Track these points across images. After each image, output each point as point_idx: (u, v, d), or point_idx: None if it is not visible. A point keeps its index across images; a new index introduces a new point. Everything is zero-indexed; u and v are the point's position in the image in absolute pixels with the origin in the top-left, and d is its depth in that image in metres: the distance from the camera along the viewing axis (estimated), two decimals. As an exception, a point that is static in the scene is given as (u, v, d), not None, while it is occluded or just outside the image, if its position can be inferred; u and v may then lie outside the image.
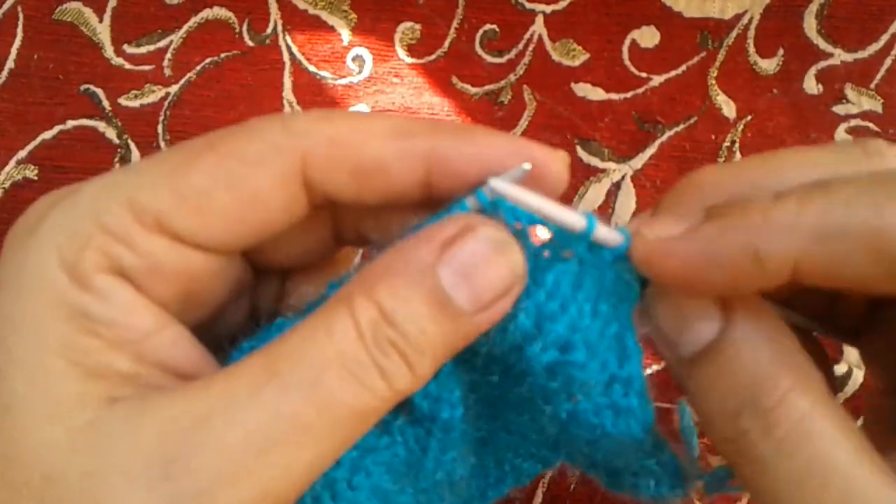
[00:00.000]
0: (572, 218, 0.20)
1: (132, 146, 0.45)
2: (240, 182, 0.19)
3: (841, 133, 0.46)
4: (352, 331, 0.19)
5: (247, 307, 0.25)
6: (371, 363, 0.19)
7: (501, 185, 0.20)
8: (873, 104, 0.46)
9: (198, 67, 0.45)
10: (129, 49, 0.45)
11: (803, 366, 0.19)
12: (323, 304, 0.20)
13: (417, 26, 0.47)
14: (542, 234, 0.21)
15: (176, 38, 0.46)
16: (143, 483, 0.17)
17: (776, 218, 0.18)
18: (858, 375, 0.45)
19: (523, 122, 0.46)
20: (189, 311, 0.21)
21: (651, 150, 0.46)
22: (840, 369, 0.45)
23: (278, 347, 0.19)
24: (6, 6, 0.45)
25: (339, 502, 0.21)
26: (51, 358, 0.18)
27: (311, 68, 0.46)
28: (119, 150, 0.44)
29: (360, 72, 0.46)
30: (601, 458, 0.24)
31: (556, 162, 0.21)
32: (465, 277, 0.19)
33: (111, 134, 0.45)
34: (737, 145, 0.46)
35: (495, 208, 0.20)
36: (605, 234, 0.20)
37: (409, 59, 0.46)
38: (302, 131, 0.20)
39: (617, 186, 0.45)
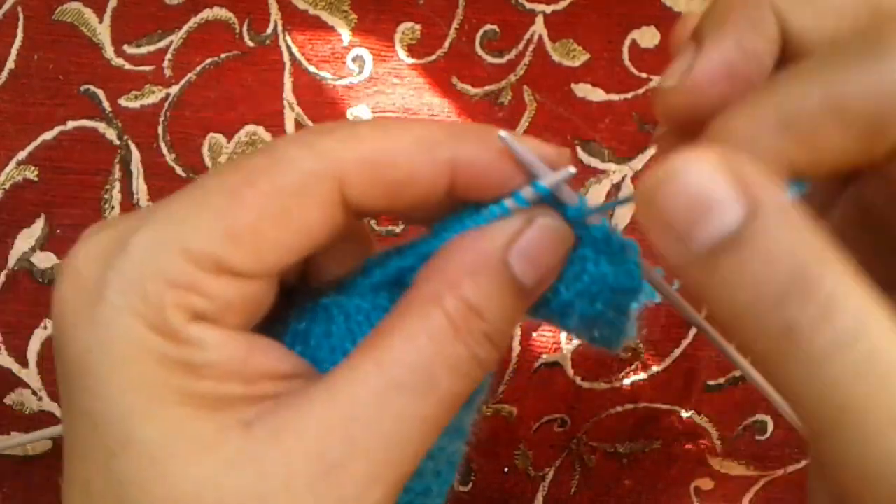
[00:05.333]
0: (566, 190, 0.23)
1: (132, 147, 0.44)
2: (285, 215, 0.20)
3: (841, 133, 0.46)
4: (448, 329, 0.21)
5: (276, 289, 0.26)
6: (469, 356, 0.21)
7: (510, 140, 0.22)
8: (873, 104, 0.46)
9: (198, 68, 0.45)
10: (129, 49, 0.45)
11: (842, 253, 0.18)
12: (409, 304, 0.22)
13: (417, 26, 0.47)
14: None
15: (176, 38, 0.46)
16: (308, 495, 0.19)
17: (745, 125, 0.19)
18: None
19: (523, 123, 0.46)
20: (251, 321, 0.23)
21: (651, 151, 0.46)
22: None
23: (386, 351, 0.21)
24: (6, 6, 0.45)
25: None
26: (175, 408, 0.19)
27: (312, 69, 0.46)
28: (119, 150, 0.44)
29: (360, 72, 0.46)
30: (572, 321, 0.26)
31: (562, 160, 0.23)
32: (530, 263, 0.22)
33: (111, 135, 0.45)
34: (737, 146, 0.46)
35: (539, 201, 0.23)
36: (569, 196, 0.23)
37: (410, 60, 0.46)
38: (332, 155, 0.21)
39: (617, 188, 0.45)
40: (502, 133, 0.22)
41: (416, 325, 0.21)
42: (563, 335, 0.45)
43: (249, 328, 0.23)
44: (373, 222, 0.46)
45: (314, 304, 0.24)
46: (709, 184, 0.18)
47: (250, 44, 0.46)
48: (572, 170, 0.23)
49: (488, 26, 0.47)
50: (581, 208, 0.23)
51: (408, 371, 0.20)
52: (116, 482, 0.19)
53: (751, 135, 0.19)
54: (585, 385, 0.45)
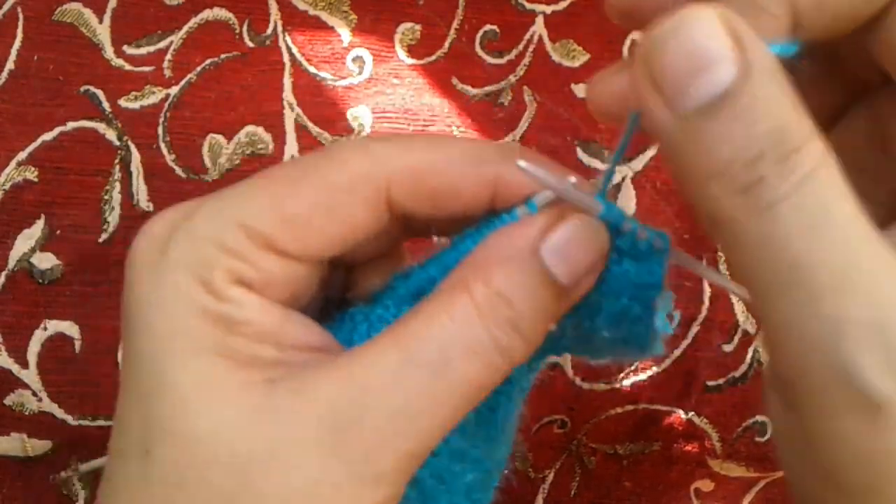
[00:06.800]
0: (588, 202, 0.23)
1: (132, 148, 0.45)
2: (334, 208, 0.23)
3: (841, 134, 0.46)
4: (472, 313, 0.21)
5: (322, 298, 0.28)
6: (490, 342, 0.22)
7: (527, 166, 0.23)
8: (874, 105, 0.46)
9: (198, 69, 0.45)
10: (129, 50, 0.45)
11: (810, 122, 0.19)
12: (438, 290, 0.23)
13: (417, 27, 0.46)
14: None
15: (176, 39, 0.46)
16: (318, 450, 0.21)
17: None
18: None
19: (523, 124, 0.46)
20: (292, 305, 0.24)
21: (651, 152, 0.46)
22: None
23: (407, 330, 0.22)
24: (6, 7, 0.45)
25: (424, 467, 0.24)
26: (209, 357, 0.21)
27: (312, 69, 0.46)
28: (119, 151, 0.44)
29: (360, 73, 0.46)
30: (597, 346, 0.27)
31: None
32: (563, 258, 0.22)
33: (111, 135, 0.45)
34: (737, 146, 0.46)
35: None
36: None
37: (410, 60, 0.46)
38: (385, 161, 0.23)
39: (617, 188, 0.45)
40: (521, 162, 0.23)
41: (440, 308, 0.22)
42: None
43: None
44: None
45: (342, 314, 0.26)
46: (710, 40, 0.18)
47: (250, 44, 0.46)
48: (572, 179, 0.24)
49: (488, 27, 0.47)
50: (608, 214, 0.23)
51: (424, 349, 0.21)
52: (146, 418, 0.22)
53: None
54: (585, 386, 0.45)
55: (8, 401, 0.44)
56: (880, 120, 0.24)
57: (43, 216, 0.44)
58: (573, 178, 0.23)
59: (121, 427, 0.23)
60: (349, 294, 0.27)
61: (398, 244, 0.28)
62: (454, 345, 0.21)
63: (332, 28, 0.46)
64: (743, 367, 0.46)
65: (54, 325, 0.43)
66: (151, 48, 0.45)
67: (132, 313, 0.22)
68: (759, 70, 0.18)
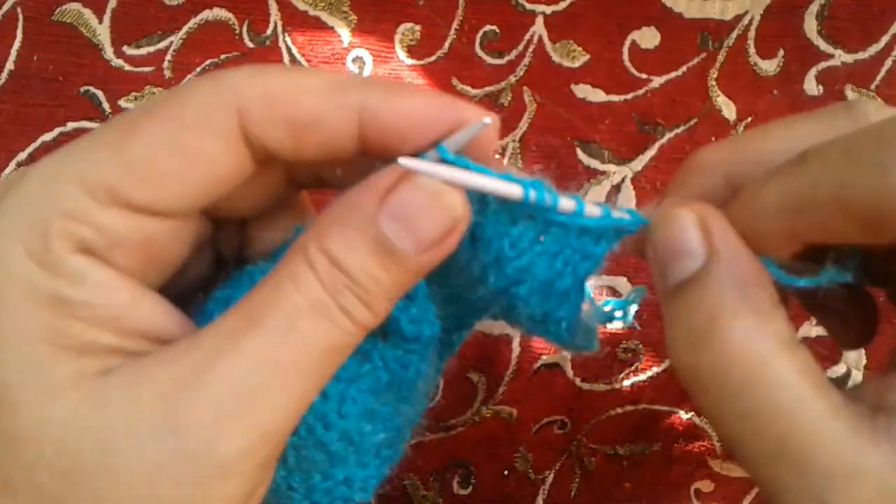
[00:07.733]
0: (508, 188, 0.22)
1: (132, 148, 0.45)
2: (181, 145, 0.20)
3: (841, 134, 0.46)
4: (312, 278, 0.20)
5: (210, 257, 0.25)
6: (334, 304, 0.20)
7: (414, 164, 0.20)
8: (874, 105, 0.46)
9: (198, 69, 0.45)
10: (129, 50, 0.45)
11: (766, 310, 0.21)
12: (288, 251, 0.21)
13: (417, 27, 0.46)
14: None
15: (176, 39, 0.46)
16: (151, 442, 0.18)
17: (763, 203, 0.21)
18: (857, 376, 0.45)
19: (523, 124, 0.46)
20: (155, 273, 0.22)
21: (651, 153, 0.46)
22: (839, 370, 0.45)
23: (252, 300, 0.20)
24: (6, 7, 0.45)
25: (332, 430, 0.23)
26: (37, 346, 0.19)
27: (311, 70, 0.46)
28: (119, 151, 0.45)
29: (360, 73, 0.46)
30: (532, 328, 0.26)
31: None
32: (405, 224, 0.20)
33: (111, 135, 0.45)
34: (737, 147, 0.46)
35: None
36: (562, 203, 0.22)
37: (410, 61, 0.46)
38: (234, 89, 0.21)
39: (617, 188, 0.45)
40: (401, 160, 0.20)
41: (284, 273, 0.20)
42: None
43: (155, 281, 0.22)
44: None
45: (240, 272, 0.24)
46: (683, 234, 0.22)
47: (250, 44, 0.46)
48: (487, 120, 0.21)
49: (488, 27, 0.46)
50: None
51: (268, 315, 0.20)
52: None
53: (773, 211, 0.22)
54: (585, 386, 0.45)
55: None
56: None
57: (43, 217, 0.44)
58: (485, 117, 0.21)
59: None
60: (246, 251, 0.26)
61: (292, 197, 0.26)
62: (299, 309, 0.20)
63: (332, 28, 0.46)
64: (743, 368, 0.46)
65: (54, 326, 0.43)
66: (151, 48, 0.45)
67: None
68: (718, 264, 0.21)
